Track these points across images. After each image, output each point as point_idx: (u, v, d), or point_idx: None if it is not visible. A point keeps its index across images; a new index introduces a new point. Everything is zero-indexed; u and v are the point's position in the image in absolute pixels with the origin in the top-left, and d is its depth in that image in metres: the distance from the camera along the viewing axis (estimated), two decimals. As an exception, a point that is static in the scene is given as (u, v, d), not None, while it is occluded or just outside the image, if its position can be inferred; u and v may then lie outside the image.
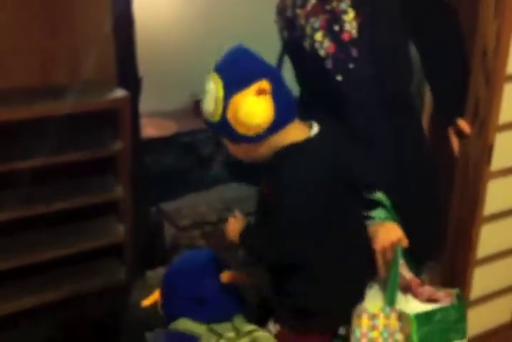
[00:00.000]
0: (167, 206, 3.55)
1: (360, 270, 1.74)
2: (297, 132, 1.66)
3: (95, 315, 2.84)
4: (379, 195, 1.79)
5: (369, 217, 1.76)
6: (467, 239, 2.12)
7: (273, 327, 1.82)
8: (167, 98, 4.25)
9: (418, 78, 2.08)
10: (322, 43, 1.87)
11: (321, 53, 1.88)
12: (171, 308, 1.87)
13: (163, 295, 1.89)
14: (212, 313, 1.81)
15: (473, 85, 2.08)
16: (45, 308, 2.77)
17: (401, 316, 1.68)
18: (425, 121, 2.45)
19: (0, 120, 2.48)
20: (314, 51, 1.90)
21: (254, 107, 1.55)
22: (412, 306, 1.73)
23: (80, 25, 2.75)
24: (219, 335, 1.73)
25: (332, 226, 1.64)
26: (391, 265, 1.70)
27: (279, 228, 1.60)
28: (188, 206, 3.54)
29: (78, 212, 2.83)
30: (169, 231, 3.37)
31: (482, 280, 2.18)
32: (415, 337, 1.65)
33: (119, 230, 2.91)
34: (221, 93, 1.58)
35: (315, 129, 1.69)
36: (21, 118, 2.54)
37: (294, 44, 1.98)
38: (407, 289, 1.77)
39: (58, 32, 2.71)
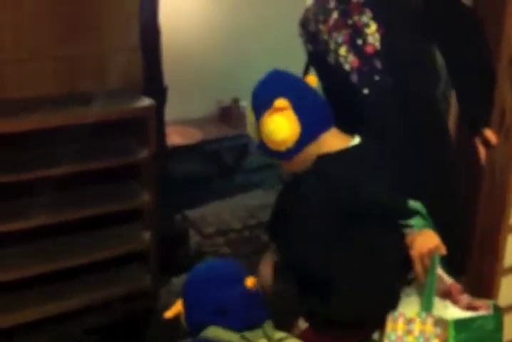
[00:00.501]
0: (192, 213, 3.57)
1: (389, 278, 1.75)
2: (335, 141, 1.71)
3: (122, 321, 2.86)
4: (414, 203, 1.80)
5: (407, 226, 1.76)
6: (493, 248, 2.10)
7: (303, 324, 1.87)
8: (192, 106, 4.27)
9: (445, 82, 2.07)
10: (347, 58, 1.92)
11: (346, 67, 1.92)
12: (194, 320, 1.78)
13: (185, 306, 1.80)
14: (237, 323, 1.72)
15: (499, 94, 2.07)
16: (72, 314, 2.80)
17: (439, 322, 1.67)
18: (451, 126, 2.44)
19: (29, 129, 2.52)
20: (338, 66, 1.93)
21: (274, 124, 1.67)
22: (450, 312, 1.73)
23: (108, 34, 2.78)
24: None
25: (351, 238, 1.68)
26: (428, 271, 1.69)
27: (298, 237, 1.75)
28: (213, 214, 3.56)
29: (103, 219, 2.85)
30: (194, 239, 3.39)
31: (509, 289, 2.16)
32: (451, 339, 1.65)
33: (144, 237, 2.93)
34: (252, 118, 1.74)
35: (356, 140, 1.73)
36: (48, 126, 2.58)
37: (319, 57, 2.00)
38: (446, 295, 1.77)
39: (85, 40, 2.75)
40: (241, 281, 1.76)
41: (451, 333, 1.66)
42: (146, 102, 2.79)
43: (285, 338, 1.72)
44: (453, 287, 1.79)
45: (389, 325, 1.69)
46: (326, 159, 1.68)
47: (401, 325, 1.68)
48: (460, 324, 1.68)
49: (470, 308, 1.75)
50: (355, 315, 1.74)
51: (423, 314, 1.68)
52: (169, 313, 1.78)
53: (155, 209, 2.90)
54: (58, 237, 2.82)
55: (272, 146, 1.70)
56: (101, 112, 2.64)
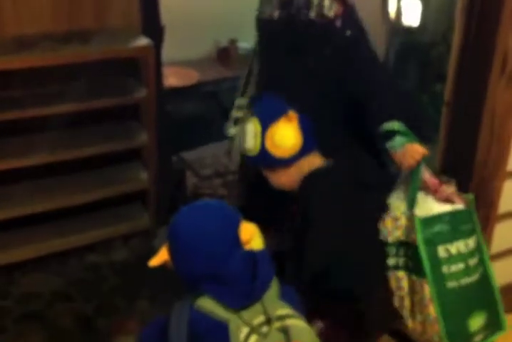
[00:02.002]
0: (190, 155, 3.57)
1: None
2: (316, 160, 2.04)
3: (121, 259, 2.91)
4: (393, 124, 1.97)
5: (391, 147, 1.96)
6: (489, 194, 2.12)
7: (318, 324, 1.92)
8: (189, 47, 4.22)
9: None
10: (331, 7, 2.09)
11: (331, 14, 2.07)
12: (184, 274, 1.55)
13: (172, 255, 1.54)
14: (233, 295, 1.50)
15: (501, 36, 2.05)
16: (72, 252, 2.85)
17: (411, 219, 1.94)
18: (450, 72, 2.44)
19: (27, 66, 2.50)
20: (321, 17, 2.07)
21: (287, 131, 1.96)
22: (430, 206, 1.98)
23: (106, -29, 2.73)
24: (250, 326, 1.47)
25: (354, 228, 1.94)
26: (413, 174, 1.95)
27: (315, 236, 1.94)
28: (210, 156, 3.57)
29: (103, 159, 2.88)
30: (190, 180, 3.40)
31: (503, 235, 2.19)
32: (419, 237, 1.92)
33: (143, 176, 2.95)
34: (259, 128, 1.98)
35: (326, 160, 2.05)
36: (47, 64, 2.56)
37: (283, 24, 2.11)
38: (428, 190, 2.00)
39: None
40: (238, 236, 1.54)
41: (419, 228, 1.92)
42: (145, 41, 2.76)
43: (286, 317, 1.51)
44: (430, 181, 2.00)
45: (380, 224, 1.99)
46: (320, 173, 2.01)
47: (389, 222, 1.97)
48: (427, 221, 1.93)
49: (448, 200, 1.99)
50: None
51: (408, 212, 1.95)
52: (154, 262, 1.55)
53: (154, 149, 2.92)
54: (59, 176, 2.85)
55: (278, 153, 1.98)
56: (101, 51, 2.62)
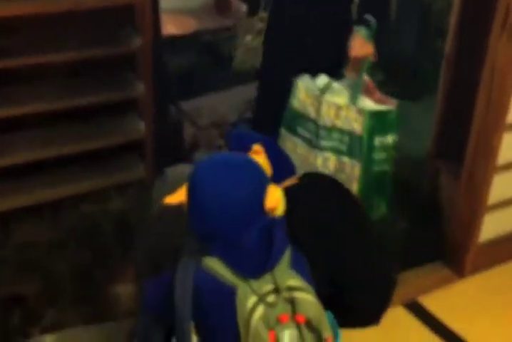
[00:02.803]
0: (187, 105, 3.54)
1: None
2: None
3: (117, 209, 2.92)
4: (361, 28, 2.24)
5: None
6: (488, 146, 2.13)
7: None
8: (187, -6, 4.15)
9: None
10: None
11: None
12: (199, 229, 1.55)
13: (191, 208, 1.54)
14: (246, 266, 1.49)
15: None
16: (68, 202, 2.86)
17: (360, 111, 2.23)
18: (452, 26, 2.41)
19: (19, 14, 2.46)
20: None
21: None
22: (367, 104, 2.28)
23: None
24: (258, 296, 1.44)
25: None
26: (358, 73, 2.26)
27: None
28: (208, 106, 3.54)
29: (98, 110, 2.85)
30: (188, 130, 3.39)
31: (501, 186, 2.21)
32: (366, 126, 2.21)
33: (139, 127, 2.93)
34: None
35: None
36: (42, 11, 2.51)
37: None
38: (367, 92, 2.31)
39: None
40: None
41: (366, 119, 2.22)
42: (141, -12, 2.71)
43: (296, 289, 1.47)
44: (369, 84, 2.32)
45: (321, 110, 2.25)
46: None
47: (332, 111, 2.23)
48: (372, 114, 2.24)
49: (380, 101, 2.31)
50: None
51: (351, 105, 2.25)
52: (170, 199, 1.60)
53: (150, 99, 2.89)
54: (54, 126, 2.83)
55: None
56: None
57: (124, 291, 2.49)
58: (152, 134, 2.93)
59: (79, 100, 2.73)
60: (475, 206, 2.21)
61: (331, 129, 2.27)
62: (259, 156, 1.80)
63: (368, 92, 2.34)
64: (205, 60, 3.92)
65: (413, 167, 2.89)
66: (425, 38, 3.61)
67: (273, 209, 1.52)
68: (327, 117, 2.25)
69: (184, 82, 3.59)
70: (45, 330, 2.27)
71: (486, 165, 2.14)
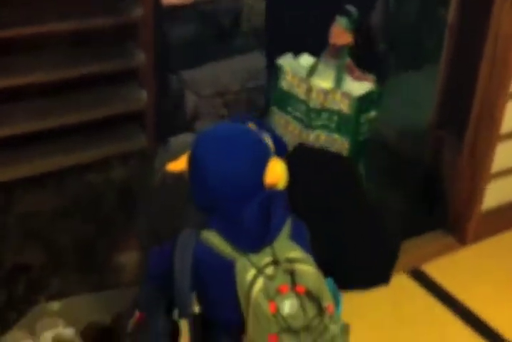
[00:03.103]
0: (189, 74, 3.52)
1: None
2: None
3: (120, 179, 2.93)
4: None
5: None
6: (491, 115, 2.13)
7: None
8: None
9: None
10: None
11: None
12: (198, 199, 1.55)
13: (192, 177, 1.54)
14: (246, 239, 1.49)
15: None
16: (71, 171, 2.87)
17: (345, 95, 2.35)
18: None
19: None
20: None
21: None
22: (352, 87, 2.39)
23: None
24: (257, 268, 1.44)
25: None
26: (340, 58, 2.35)
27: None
28: (210, 75, 3.52)
29: (99, 79, 2.84)
30: (190, 100, 3.37)
31: (504, 155, 2.21)
32: (353, 108, 2.33)
33: (141, 97, 2.92)
34: None
35: None
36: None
37: None
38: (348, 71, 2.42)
39: None
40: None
41: (353, 103, 2.35)
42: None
43: (295, 261, 1.47)
44: (349, 62, 2.42)
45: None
46: None
47: (321, 95, 2.35)
48: (358, 98, 2.35)
49: (359, 78, 2.41)
50: None
51: (336, 89, 2.35)
52: (172, 166, 1.56)
53: (151, 68, 2.88)
54: (56, 96, 2.82)
55: None
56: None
57: (127, 259, 2.51)
58: (154, 103, 2.93)
59: (80, 70, 2.72)
60: (478, 174, 2.22)
61: (320, 110, 2.39)
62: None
63: (348, 70, 2.45)
64: (205, 30, 3.89)
65: (415, 137, 2.89)
66: (428, 7, 3.58)
67: (274, 183, 1.52)
68: (317, 100, 2.38)
69: (184, 52, 3.57)
70: (50, 299, 2.29)
71: (489, 134, 2.14)
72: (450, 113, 2.62)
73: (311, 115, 2.38)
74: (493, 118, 2.14)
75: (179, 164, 1.55)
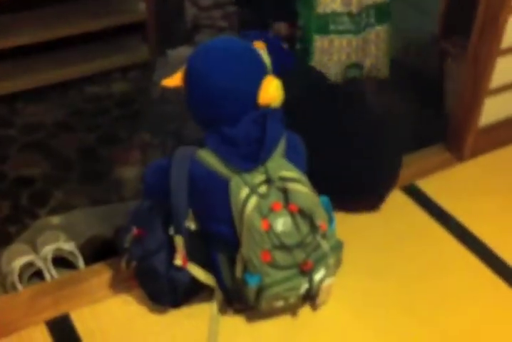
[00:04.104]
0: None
1: None
2: None
3: (121, 90, 2.93)
4: None
5: None
6: (494, 27, 2.07)
7: None
8: None
9: None
10: None
11: None
12: (195, 109, 1.56)
13: (187, 83, 1.54)
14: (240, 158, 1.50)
15: None
16: (72, 84, 2.87)
17: None
18: None
19: None
20: None
21: None
22: None
23: None
24: (250, 187, 1.47)
25: None
26: None
27: None
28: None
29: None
30: (190, 11, 3.30)
31: (505, 69, 2.16)
32: None
33: (141, 7, 2.90)
34: None
35: None
36: None
37: None
38: None
39: None
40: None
41: None
42: None
43: (289, 180, 1.49)
44: None
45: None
46: None
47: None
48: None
49: None
50: None
51: None
52: (167, 82, 1.55)
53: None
54: (57, 5, 2.81)
55: None
56: None
57: (129, 173, 2.54)
58: (154, 15, 2.88)
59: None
60: (478, 88, 2.18)
61: (361, 13, 2.32)
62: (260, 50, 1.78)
63: None
64: None
65: (419, 50, 2.83)
66: None
67: (268, 102, 1.52)
68: (356, 4, 2.28)
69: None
70: (52, 212, 2.34)
71: (491, 47, 2.09)
72: (454, 24, 2.56)
73: (356, 20, 2.32)
74: (496, 30, 2.09)
75: (174, 80, 1.55)
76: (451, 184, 2.11)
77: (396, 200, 2.02)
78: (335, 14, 2.31)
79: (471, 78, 2.20)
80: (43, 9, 2.78)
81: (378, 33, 2.40)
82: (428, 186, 2.08)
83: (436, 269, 1.84)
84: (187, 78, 1.53)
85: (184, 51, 2.83)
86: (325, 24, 2.32)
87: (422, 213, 1.99)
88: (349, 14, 2.30)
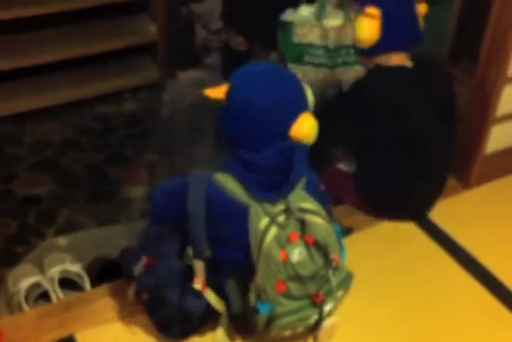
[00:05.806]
0: (198, 8, 3.46)
1: None
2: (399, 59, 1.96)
3: (131, 110, 2.95)
4: None
5: None
6: (501, 55, 2.08)
7: None
8: None
9: None
10: None
11: None
12: (224, 129, 1.55)
13: (228, 100, 1.53)
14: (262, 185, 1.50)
15: None
16: (83, 103, 2.89)
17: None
18: None
19: None
20: None
21: (361, 24, 1.91)
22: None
23: None
24: (270, 217, 1.46)
25: None
26: None
27: None
28: (219, 9, 3.44)
29: (111, 10, 2.85)
30: (200, 33, 3.32)
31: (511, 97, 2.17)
32: None
33: (152, 29, 2.92)
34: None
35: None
36: None
37: None
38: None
39: None
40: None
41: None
42: None
43: (308, 211, 1.49)
44: None
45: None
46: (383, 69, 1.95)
47: (336, 34, 2.33)
48: None
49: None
50: None
51: (347, 24, 2.29)
52: (211, 93, 1.54)
53: (162, 0, 2.87)
54: (69, 26, 2.85)
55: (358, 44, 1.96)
56: None
57: (137, 192, 2.55)
58: (165, 37, 2.91)
59: (91, 1, 2.70)
60: (485, 115, 2.19)
61: (339, 48, 2.35)
62: (372, 20, 1.88)
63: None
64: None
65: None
66: None
67: (302, 137, 1.52)
68: (334, 39, 2.33)
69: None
70: (59, 231, 2.35)
71: (497, 74, 2.10)
72: (462, 49, 2.57)
73: (332, 55, 2.35)
74: (502, 58, 2.10)
75: (217, 92, 1.54)
76: (457, 211, 2.11)
77: (403, 226, 2.03)
78: (311, 46, 2.34)
79: (478, 105, 2.21)
80: (55, 30, 2.81)
81: (357, 72, 2.35)
82: (435, 212, 2.08)
83: (441, 296, 1.84)
84: (229, 93, 1.52)
85: (194, 74, 2.86)
86: (300, 54, 2.35)
87: (428, 239, 2.00)
88: (325, 48, 2.33)
